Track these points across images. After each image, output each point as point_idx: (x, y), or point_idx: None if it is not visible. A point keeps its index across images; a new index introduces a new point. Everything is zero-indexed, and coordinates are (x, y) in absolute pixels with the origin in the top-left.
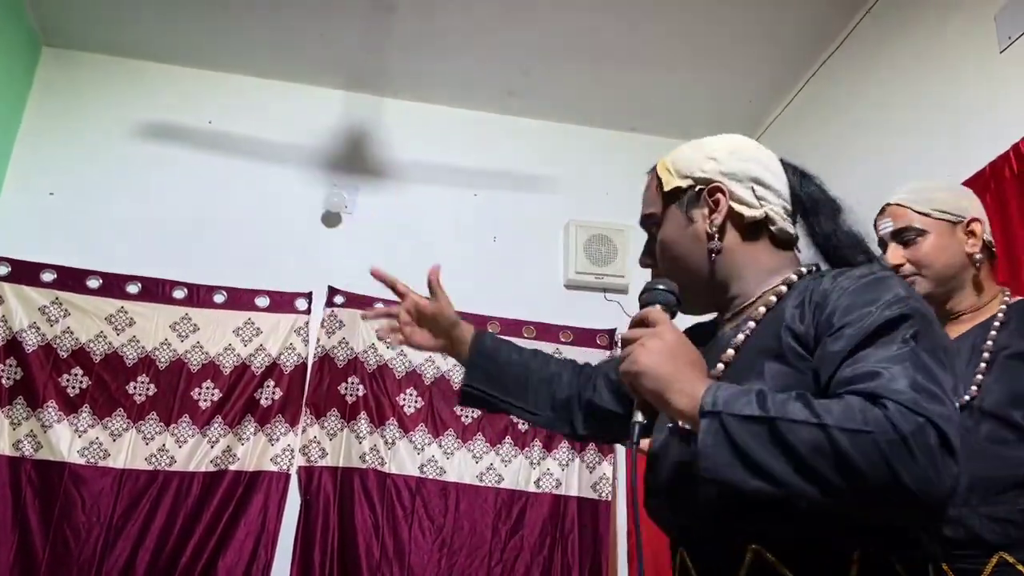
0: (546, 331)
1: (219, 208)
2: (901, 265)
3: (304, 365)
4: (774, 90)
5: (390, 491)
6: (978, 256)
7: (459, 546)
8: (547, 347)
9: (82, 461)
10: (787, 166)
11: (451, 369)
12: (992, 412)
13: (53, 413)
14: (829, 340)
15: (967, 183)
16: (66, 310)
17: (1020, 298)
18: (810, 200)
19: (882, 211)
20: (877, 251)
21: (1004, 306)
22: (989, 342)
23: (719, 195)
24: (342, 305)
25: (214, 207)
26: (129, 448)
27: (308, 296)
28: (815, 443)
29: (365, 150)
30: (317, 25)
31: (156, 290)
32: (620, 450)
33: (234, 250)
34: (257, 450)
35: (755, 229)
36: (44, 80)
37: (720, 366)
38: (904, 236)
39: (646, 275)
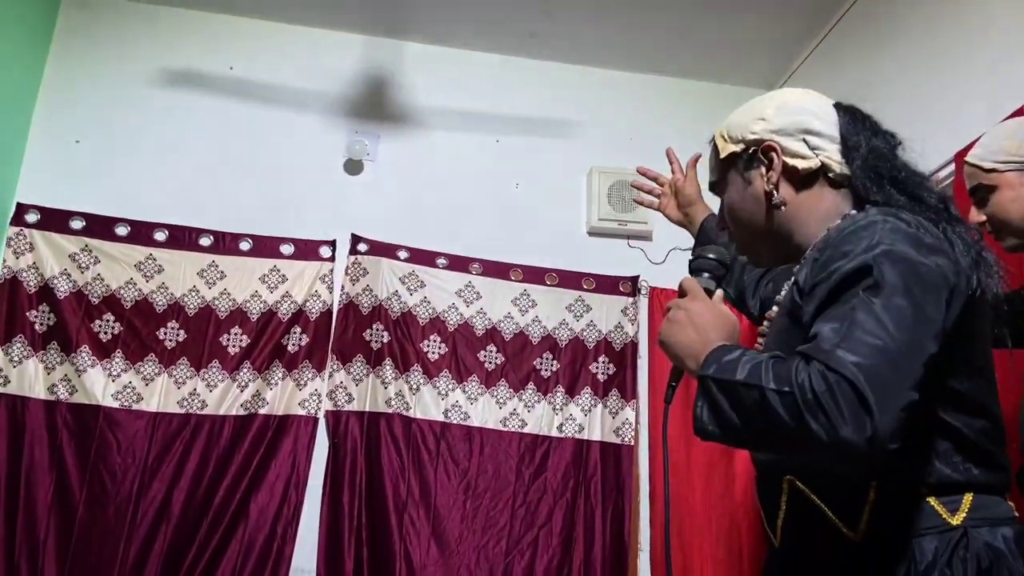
0: (568, 278)
1: (242, 155)
2: (983, 223)
3: (329, 312)
4: (804, 29)
5: (415, 435)
6: None
7: (483, 489)
8: (569, 294)
9: (116, 405)
10: (839, 108)
11: (474, 316)
12: None
13: (87, 358)
14: (807, 299)
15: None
16: (96, 257)
17: None
18: (861, 143)
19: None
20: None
21: None
22: None
23: (772, 153)
24: (366, 253)
25: (237, 154)
26: (161, 392)
27: (332, 244)
28: (757, 403)
29: (386, 96)
30: None
31: (183, 237)
32: (643, 395)
33: (258, 197)
34: (286, 395)
35: (811, 178)
36: (65, 27)
37: (765, 323)
38: (977, 195)
39: (669, 223)
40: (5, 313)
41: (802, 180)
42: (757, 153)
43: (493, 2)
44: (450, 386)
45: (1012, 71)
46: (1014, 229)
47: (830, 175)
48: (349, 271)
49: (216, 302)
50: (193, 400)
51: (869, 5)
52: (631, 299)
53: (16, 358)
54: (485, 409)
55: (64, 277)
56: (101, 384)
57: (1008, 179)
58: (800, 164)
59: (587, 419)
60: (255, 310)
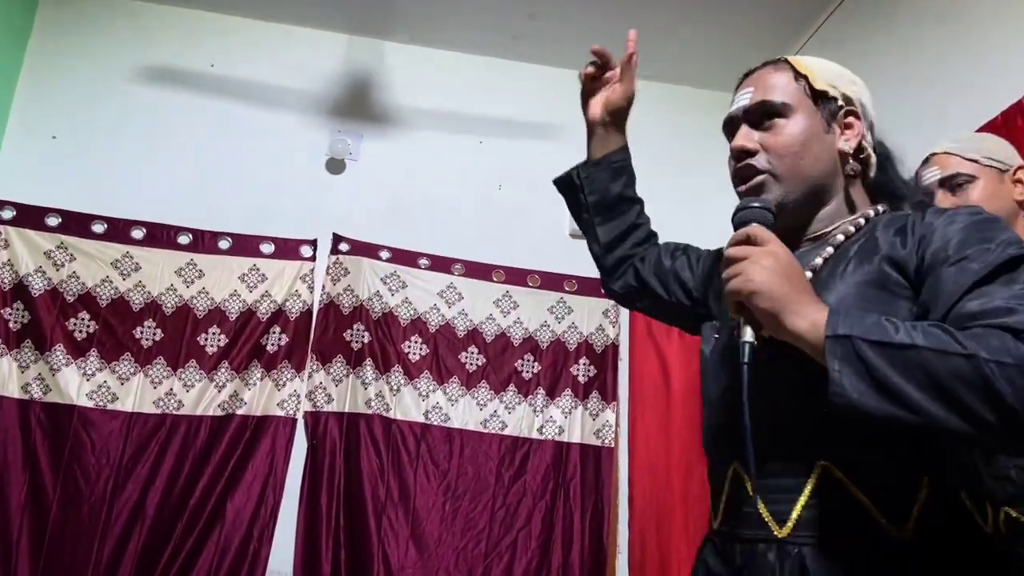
0: (551, 280)
1: (223, 153)
2: None
3: (309, 312)
4: (789, 35)
5: (395, 436)
6: None
7: (463, 490)
8: (551, 296)
9: (91, 404)
10: None
11: (456, 317)
12: None
13: (61, 356)
14: (947, 270)
15: (978, 131)
16: (72, 255)
17: None
18: (884, 150)
19: (927, 161)
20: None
21: None
22: None
23: (854, 119)
24: (347, 252)
25: (218, 152)
26: (137, 392)
27: (313, 243)
28: (961, 373)
29: (369, 96)
30: None
31: (161, 235)
32: (623, 397)
33: (238, 196)
34: (264, 395)
35: (862, 166)
36: (45, 22)
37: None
38: (953, 182)
39: (656, 229)
40: None
41: (857, 162)
42: (843, 110)
43: (477, 4)
44: (431, 387)
45: (987, 80)
46: None
47: (869, 172)
48: (330, 271)
49: (194, 301)
50: (169, 400)
51: (851, 10)
52: (613, 301)
53: None
54: (466, 411)
55: (39, 274)
56: (76, 383)
57: (989, 174)
58: (867, 147)
59: (567, 421)
60: (234, 309)
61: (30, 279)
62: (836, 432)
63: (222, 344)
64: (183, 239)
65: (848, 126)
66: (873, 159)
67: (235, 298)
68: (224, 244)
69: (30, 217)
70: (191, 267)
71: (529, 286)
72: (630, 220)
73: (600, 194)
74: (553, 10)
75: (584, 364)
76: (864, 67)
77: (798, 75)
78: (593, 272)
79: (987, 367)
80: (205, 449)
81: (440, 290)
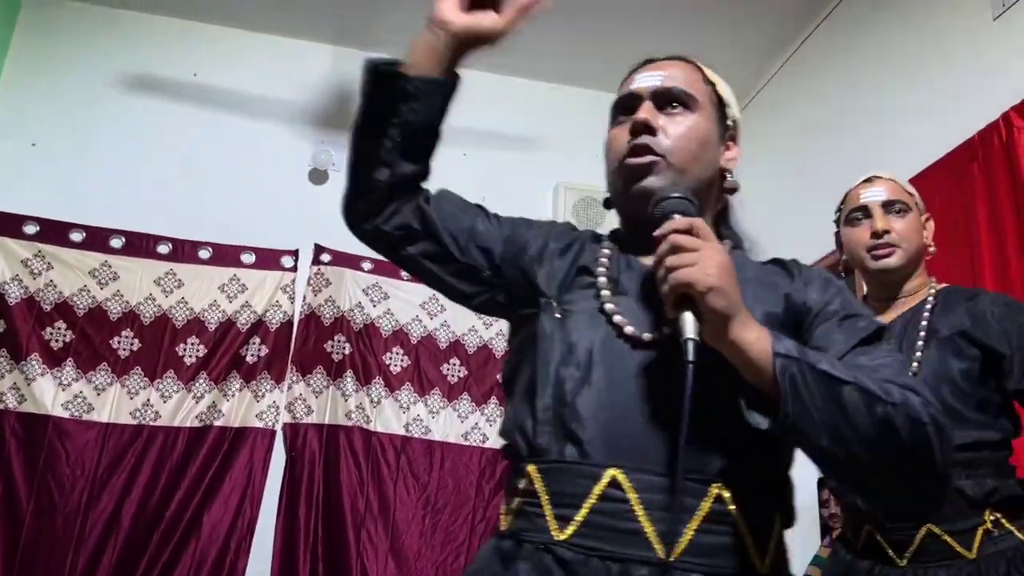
0: None
1: (204, 162)
2: (887, 232)
3: (290, 322)
4: (766, 53)
5: (375, 449)
6: (932, 248)
7: (443, 504)
8: None
9: (66, 415)
10: None
11: (438, 329)
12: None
13: (37, 366)
14: (838, 323)
15: (956, 151)
16: (49, 263)
17: (946, 285)
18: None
19: (870, 180)
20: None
21: (933, 290)
22: (924, 322)
23: (734, 145)
24: (329, 263)
25: (200, 161)
26: (113, 402)
27: (294, 254)
28: (886, 419)
29: (353, 106)
30: None
31: (140, 244)
32: None
33: (219, 205)
34: (242, 406)
35: (720, 194)
36: (25, 29)
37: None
38: (895, 207)
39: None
40: None
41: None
42: (732, 128)
43: None
44: (412, 399)
45: (969, 96)
46: (907, 251)
47: (723, 200)
48: (311, 281)
49: (173, 311)
50: (146, 411)
51: (834, 26)
52: None
53: None
54: (447, 423)
55: (15, 283)
56: (51, 393)
57: (916, 212)
58: (730, 176)
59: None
60: (213, 320)
61: (6, 287)
62: (733, 456)
63: (201, 355)
64: (163, 248)
65: (730, 147)
66: (734, 188)
67: (214, 308)
68: (204, 254)
69: (7, 225)
70: (170, 277)
71: None
72: (428, 160)
73: (426, 118)
74: (534, 24)
75: None
76: (842, 85)
77: (706, 79)
78: None
79: (899, 417)
80: (182, 460)
81: (422, 301)
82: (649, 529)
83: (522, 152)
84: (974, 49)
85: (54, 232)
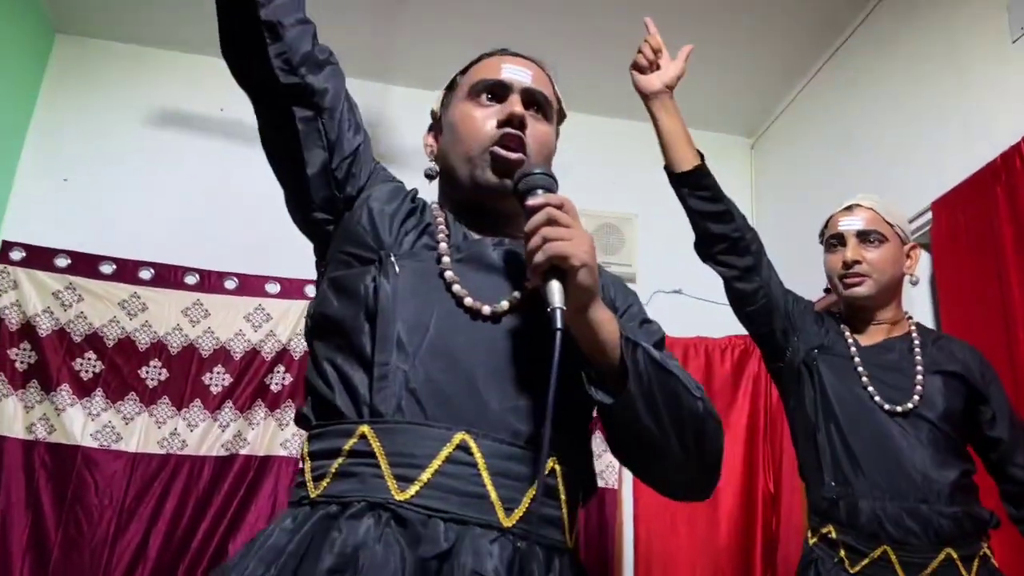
0: None
1: (230, 194)
2: (858, 262)
3: None
4: (783, 79)
5: None
6: (913, 278)
7: None
8: None
9: (95, 444)
10: None
11: None
12: (933, 421)
13: (67, 396)
14: (641, 327)
15: (979, 174)
16: (80, 295)
17: (919, 323)
18: None
19: (849, 208)
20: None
21: (914, 327)
22: (918, 357)
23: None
24: None
25: (226, 193)
26: (141, 432)
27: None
28: (696, 413)
29: (374, 138)
30: (327, 14)
31: (168, 276)
32: None
33: (245, 236)
34: (267, 435)
35: None
36: (57, 67)
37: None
38: (869, 237)
39: (654, 265)
40: None
41: None
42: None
43: (477, 49)
44: None
45: (985, 123)
46: (878, 281)
47: None
48: None
49: (199, 341)
50: (173, 440)
51: (848, 55)
52: None
53: None
54: None
55: (47, 315)
56: (80, 423)
57: (896, 242)
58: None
59: None
60: (239, 349)
61: (38, 319)
62: (565, 430)
63: (226, 384)
64: (190, 279)
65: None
66: None
67: (240, 337)
68: (230, 284)
69: (39, 258)
70: (197, 307)
71: None
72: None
73: None
74: (551, 54)
75: None
76: (862, 109)
77: (556, 94)
78: None
79: (706, 414)
80: (208, 490)
81: None
82: (494, 495)
83: None
84: (994, 72)
85: (85, 264)
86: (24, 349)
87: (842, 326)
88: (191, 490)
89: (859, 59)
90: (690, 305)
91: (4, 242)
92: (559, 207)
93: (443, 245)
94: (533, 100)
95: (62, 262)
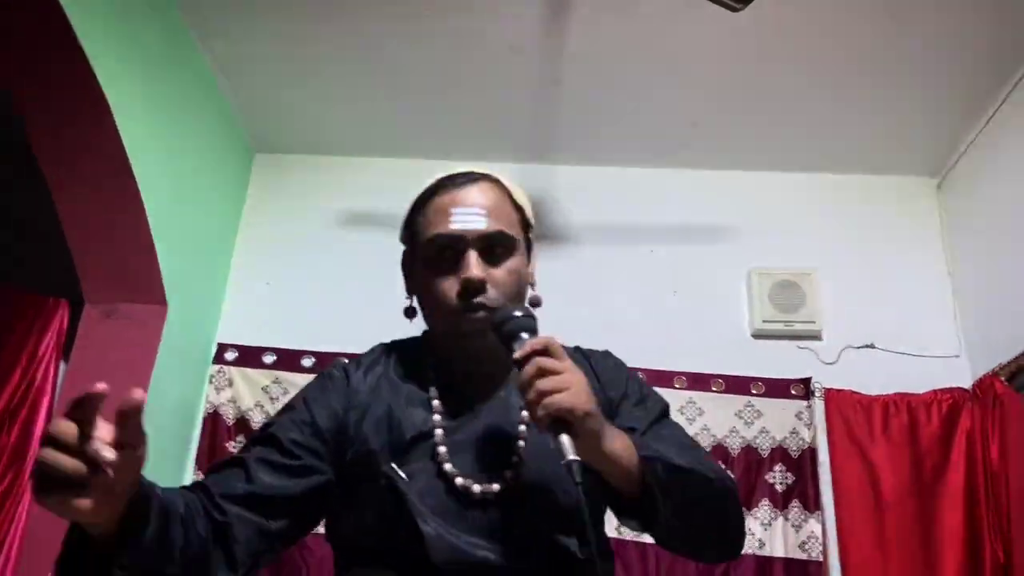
0: (735, 383)
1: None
2: None
3: None
4: (966, 113)
5: None
6: None
7: None
8: (738, 400)
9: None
10: None
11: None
12: None
13: None
14: (635, 409)
15: None
16: (285, 388)
17: None
18: None
19: None
20: None
21: None
22: None
23: (531, 258)
24: None
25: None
26: None
27: None
28: (717, 497)
29: (538, 218)
30: (488, 103)
31: None
32: (827, 506)
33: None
34: None
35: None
36: (257, 183)
37: (522, 427)
38: None
39: (839, 320)
40: (207, 446)
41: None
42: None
43: (637, 121)
44: None
45: None
46: None
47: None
48: None
49: None
50: None
51: None
52: (805, 402)
53: None
54: None
55: (258, 408)
56: None
57: None
58: (535, 275)
59: (767, 534)
60: None
61: (250, 413)
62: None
63: None
64: None
65: (531, 263)
66: (539, 306)
67: None
68: None
69: (250, 357)
70: None
71: (713, 391)
72: (200, 546)
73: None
74: (715, 115)
75: (780, 471)
76: None
77: (515, 206)
78: (779, 372)
79: (731, 485)
80: None
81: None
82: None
83: (711, 242)
84: None
85: (288, 360)
86: (239, 442)
87: None
88: None
89: None
90: (885, 359)
91: (219, 344)
92: (544, 351)
93: (439, 435)
94: (492, 243)
95: (269, 359)
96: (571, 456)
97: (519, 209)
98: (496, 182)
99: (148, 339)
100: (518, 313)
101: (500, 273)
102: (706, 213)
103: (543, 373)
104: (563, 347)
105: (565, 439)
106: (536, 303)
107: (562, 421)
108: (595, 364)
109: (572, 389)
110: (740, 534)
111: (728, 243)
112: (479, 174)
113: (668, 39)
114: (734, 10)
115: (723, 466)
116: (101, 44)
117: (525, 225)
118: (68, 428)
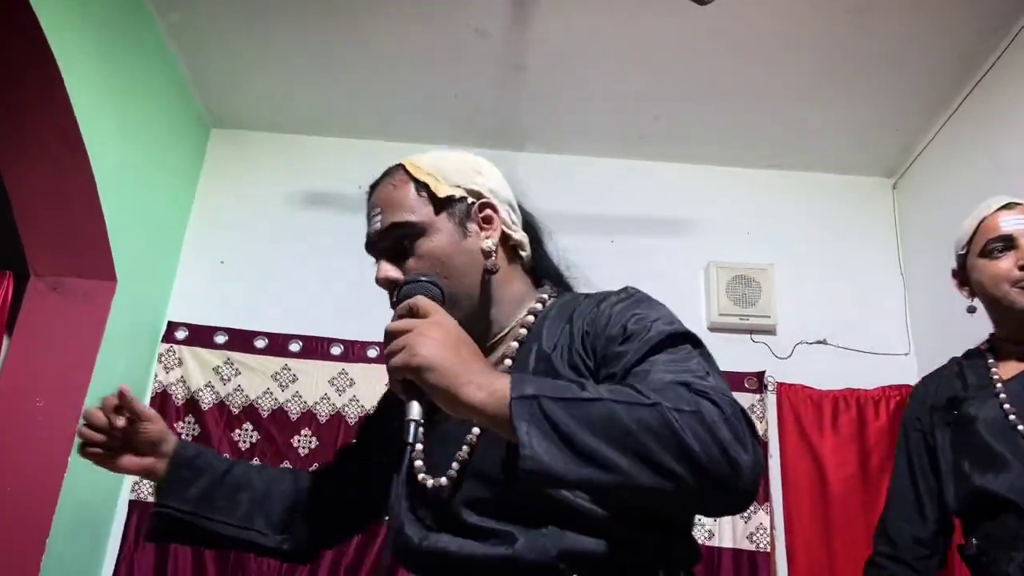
0: None
1: (370, 267)
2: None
3: None
4: (923, 115)
5: None
6: None
7: None
8: None
9: None
10: None
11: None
12: None
13: None
14: (619, 348)
15: None
16: (237, 369)
17: None
18: (534, 227)
19: (1009, 206)
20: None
21: None
22: None
23: (490, 211)
24: None
25: (366, 267)
26: None
27: None
28: (647, 422)
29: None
30: (452, 87)
31: (315, 347)
32: (776, 498)
33: (384, 307)
34: None
35: (514, 253)
36: (213, 160)
37: None
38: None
39: (794, 315)
40: None
41: (509, 252)
42: (475, 207)
43: (601, 110)
44: None
45: None
46: None
47: (523, 253)
48: None
49: (345, 409)
50: None
51: (990, 89)
52: (758, 396)
53: None
54: None
55: (208, 389)
56: None
57: None
58: (512, 233)
59: (716, 524)
60: None
61: (200, 393)
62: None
63: None
64: (335, 350)
65: (487, 220)
66: (525, 239)
67: None
68: (372, 353)
69: (201, 336)
70: (343, 376)
71: None
72: (265, 490)
73: (207, 502)
74: (677, 109)
75: None
76: (1019, 133)
77: (419, 185)
78: (735, 366)
79: (670, 414)
80: (356, 557)
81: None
82: None
83: (670, 235)
84: None
85: (241, 340)
86: (189, 422)
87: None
88: (341, 558)
89: (1007, 87)
90: (837, 355)
91: (169, 323)
92: (407, 312)
93: (415, 446)
94: (394, 240)
95: (220, 339)
96: (411, 415)
97: (423, 186)
98: (398, 169)
99: (96, 315)
100: (422, 279)
101: (411, 262)
102: (667, 205)
103: (390, 337)
104: (549, 297)
105: (413, 404)
106: (492, 270)
107: (409, 384)
108: (576, 318)
109: (407, 347)
110: (725, 474)
111: (687, 236)
112: (388, 170)
113: (634, 31)
114: (701, 3)
115: (725, 396)
116: (53, 10)
117: (442, 198)
118: (95, 413)
